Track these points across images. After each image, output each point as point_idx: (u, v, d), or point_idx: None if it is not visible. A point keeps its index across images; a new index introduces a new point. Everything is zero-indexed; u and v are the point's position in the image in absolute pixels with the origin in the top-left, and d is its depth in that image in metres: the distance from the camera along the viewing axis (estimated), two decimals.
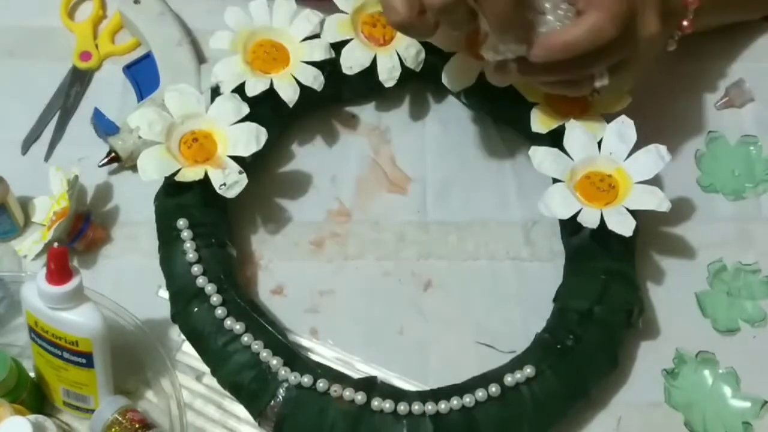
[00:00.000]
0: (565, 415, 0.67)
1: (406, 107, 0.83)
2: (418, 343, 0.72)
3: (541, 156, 0.72)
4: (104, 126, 0.79)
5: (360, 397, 0.64)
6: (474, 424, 0.64)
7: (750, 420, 0.69)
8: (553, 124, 0.75)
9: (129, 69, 0.84)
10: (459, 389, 0.65)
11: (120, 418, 0.64)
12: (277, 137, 0.76)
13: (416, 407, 0.64)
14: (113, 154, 0.78)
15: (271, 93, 0.75)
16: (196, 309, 0.68)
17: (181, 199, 0.71)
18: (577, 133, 0.73)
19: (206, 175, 0.70)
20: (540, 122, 0.75)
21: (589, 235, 0.70)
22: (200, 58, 0.84)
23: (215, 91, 0.76)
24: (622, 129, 0.73)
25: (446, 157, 0.80)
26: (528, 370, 0.65)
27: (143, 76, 0.83)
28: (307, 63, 0.77)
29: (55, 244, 0.60)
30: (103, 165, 0.78)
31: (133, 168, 0.78)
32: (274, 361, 0.65)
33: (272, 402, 0.65)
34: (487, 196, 0.78)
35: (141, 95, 0.82)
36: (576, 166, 0.72)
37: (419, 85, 0.82)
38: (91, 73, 0.85)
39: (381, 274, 0.75)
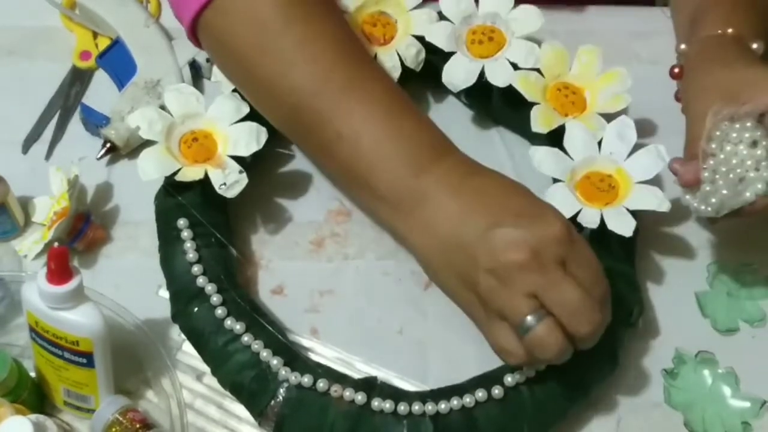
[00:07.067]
0: (565, 415, 0.67)
1: None
2: (418, 342, 0.72)
3: (541, 156, 0.72)
4: (95, 119, 0.79)
5: (360, 397, 0.64)
6: (474, 424, 0.64)
7: (749, 420, 0.69)
8: (553, 124, 0.75)
9: (101, 59, 0.84)
10: (459, 389, 0.65)
11: (120, 418, 0.64)
12: (277, 137, 0.76)
13: (416, 407, 0.64)
14: (109, 145, 0.78)
15: None
16: (196, 309, 0.68)
17: (181, 199, 0.71)
18: (577, 133, 0.73)
19: (206, 174, 0.70)
20: (540, 122, 0.75)
21: (589, 235, 0.70)
22: (168, 36, 0.84)
23: (193, 66, 0.79)
24: (622, 129, 0.74)
25: None
26: (528, 371, 0.65)
27: (118, 63, 0.83)
28: None
29: (56, 244, 0.60)
30: (101, 157, 0.78)
31: (131, 155, 0.79)
32: (275, 361, 0.65)
33: (272, 402, 0.65)
34: None
35: (120, 83, 0.82)
36: (576, 166, 0.72)
37: (419, 85, 0.82)
38: (91, 72, 0.85)
39: (381, 274, 0.75)
